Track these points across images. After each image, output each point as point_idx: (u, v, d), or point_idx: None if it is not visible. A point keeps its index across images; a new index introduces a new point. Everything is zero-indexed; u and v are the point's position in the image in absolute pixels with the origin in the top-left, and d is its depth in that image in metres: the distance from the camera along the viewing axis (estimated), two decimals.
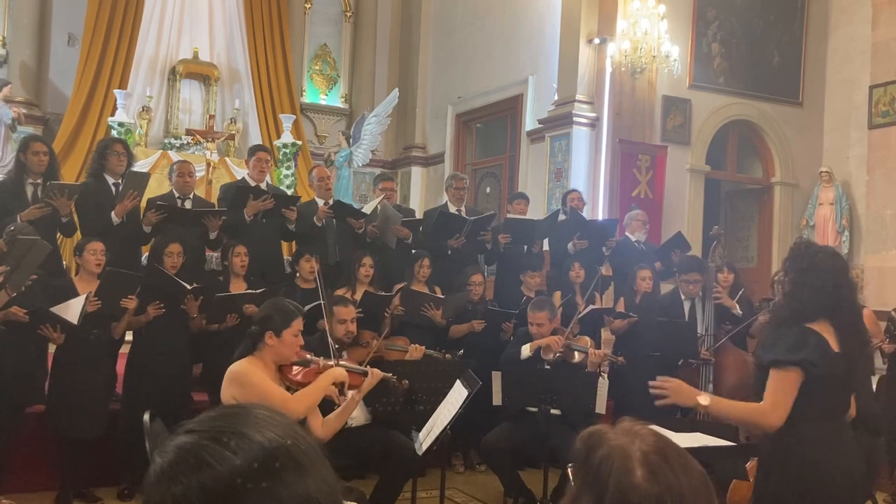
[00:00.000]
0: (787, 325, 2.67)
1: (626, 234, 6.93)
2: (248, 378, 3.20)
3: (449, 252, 6.20)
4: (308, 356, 3.53)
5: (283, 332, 3.27)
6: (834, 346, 2.60)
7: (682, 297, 5.72)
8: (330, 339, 4.28)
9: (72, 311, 4.42)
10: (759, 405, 2.62)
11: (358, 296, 5.40)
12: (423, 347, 4.96)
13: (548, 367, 4.91)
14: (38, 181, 5.17)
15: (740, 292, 5.88)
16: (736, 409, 2.73)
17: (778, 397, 2.57)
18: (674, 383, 2.73)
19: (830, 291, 2.62)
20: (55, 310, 4.39)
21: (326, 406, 3.61)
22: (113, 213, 5.26)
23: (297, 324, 3.33)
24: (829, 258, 2.72)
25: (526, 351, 5.00)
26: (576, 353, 4.98)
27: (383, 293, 5.59)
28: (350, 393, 3.62)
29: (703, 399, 2.67)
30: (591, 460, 1.10)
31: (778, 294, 3.17)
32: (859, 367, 2.70)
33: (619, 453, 1.08)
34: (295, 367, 3.41)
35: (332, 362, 3.63)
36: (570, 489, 1.14)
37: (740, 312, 5.58)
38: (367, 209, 6.39)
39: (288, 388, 3.38)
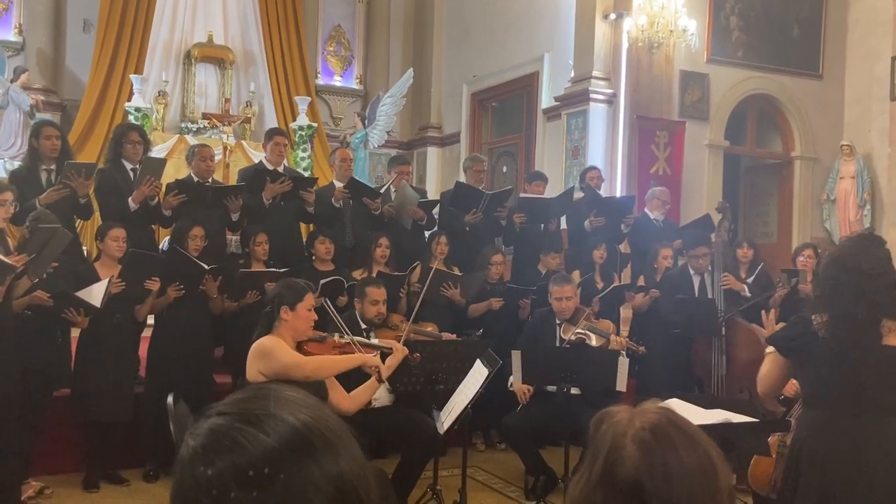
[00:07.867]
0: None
1: (646, 210, 6.88)
2: (271, 351, 3.32)
3: (466, 228, 6.19)
4: (322, 333, 3.69)
5: (297, 306, 3.40)
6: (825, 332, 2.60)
7: (692, 272, 5.71)
8: (347, 320, 4.31)
9: (94, 294, 4.47)
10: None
11: (373, 276, 5.42)
12: (454, 336, 5.00)
13: (567, 345, 4.91)
14: (52, 167, 5.18)
15: (759, 267, 5.86)
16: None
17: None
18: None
19: (832, 288, 2.65)
20: (78, 294, 4.44)
21: (351, 383, 3.65)
22: (130, 200, 5.27)
23: (309, 298, 3.47)
24: (830, 264, 2.71)
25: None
26: (594, 336, 4.96)
27: (398, 273, 5.62)
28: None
29: None
30: (594, 437, 1.12)
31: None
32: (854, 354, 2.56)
33: (616, 429, 1.09)
34: (311, 344, 3.56)
35: (346, 339, 3.75)
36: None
37: (749, 294, 5.57)
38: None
39: None
